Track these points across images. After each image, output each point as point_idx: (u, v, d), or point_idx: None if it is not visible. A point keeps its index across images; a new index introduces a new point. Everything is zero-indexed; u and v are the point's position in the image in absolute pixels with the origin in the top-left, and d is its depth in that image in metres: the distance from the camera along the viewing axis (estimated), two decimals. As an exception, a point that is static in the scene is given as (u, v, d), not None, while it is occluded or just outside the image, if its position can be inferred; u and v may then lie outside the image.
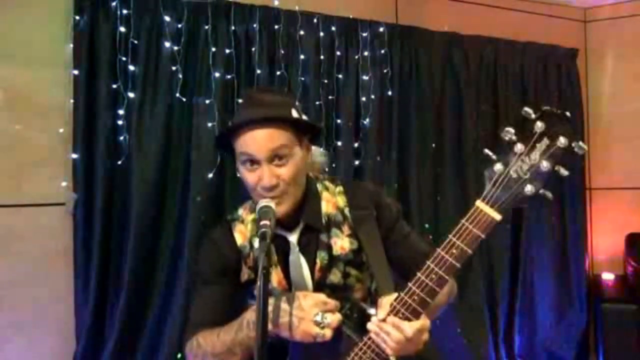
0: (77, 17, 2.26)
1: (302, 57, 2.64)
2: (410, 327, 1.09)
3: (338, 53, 2.75)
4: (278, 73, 2.59)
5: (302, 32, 2.65)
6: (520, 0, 3.39)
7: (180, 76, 2.40)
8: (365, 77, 2.80)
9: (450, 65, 3.09)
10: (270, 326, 1.14)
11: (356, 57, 2.79)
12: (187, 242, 2.37)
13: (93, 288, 2.27)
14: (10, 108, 2.23)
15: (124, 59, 2.31)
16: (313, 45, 2.67)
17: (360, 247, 1.32)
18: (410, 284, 1.11)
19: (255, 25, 2.54)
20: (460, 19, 3.16)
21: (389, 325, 1.10)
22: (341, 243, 1.31)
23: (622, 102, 3.49)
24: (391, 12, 3.03)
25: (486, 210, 1.05)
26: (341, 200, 1.36)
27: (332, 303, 1.19)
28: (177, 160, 2.43)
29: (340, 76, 2.76)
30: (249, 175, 1.24)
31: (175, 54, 2.39)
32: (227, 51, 2.48)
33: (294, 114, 1.28)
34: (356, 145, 2.80)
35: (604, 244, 3.54)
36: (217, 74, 2.45)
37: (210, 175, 2.43)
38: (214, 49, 2.45)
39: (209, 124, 2.42)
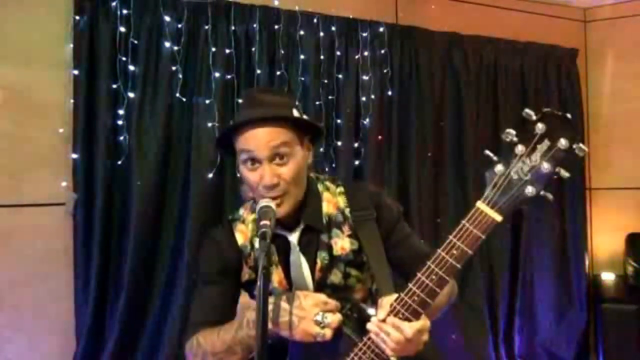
0: (77, 17, 2.27)
1: (302, 57, 2.64)
2: (410, 328, 1.09)
3: (338, 53, 2.75)
4: (278, 73, 2.59)
5: (302, 32, 2.65)
6: (520, 0, 3.39)
7: (180, 76, 2.40)
8: (365, 77, 2.80)
9: (450, 65, 3.09)
10: (270, 325, 1.14)
11: (356, 57, 2.80)
12: (187, 242, 2.38)
13: (93, 288, 2.27)
14: (10, 108, 2.23)
15: (124, 59, 2.32)
16: (313, 45, 2.67)
17: (360, 247, 1.32)
18: (410, 285, 1.11)
19: (255, 25, 2.54)
20: (460, 19, 3.16)
21: (389, 325, 1.10)
22: (342, 243, 1.32)
23: (622, 102, 3.49)
24: (391, 12, 3.03)
25: (487, 211, 1.05)
26: (342, 201, 1.36)
27: (333, 303, 1.19)
28: (177, 160, 2.43)
29: (340, 76, 2.76)
30: (249, 175, 1.24)
31: (175, 54, 2.39)
32: (227, 51, 2.48)
33: (295, 113, 1.28)
34: (356, 145, 2.80)
35: (604, 244, 3.54)
36: (217, 74, 2.45)
37: (210, 175, 2.43)
38: (214, 49, 2.45)
39: (209, 124, 2.42)
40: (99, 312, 2.30)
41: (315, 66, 2.67)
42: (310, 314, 1.16)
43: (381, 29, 2.86)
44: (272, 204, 1.19)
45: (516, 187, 1.03)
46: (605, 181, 3.53)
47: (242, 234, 1.37)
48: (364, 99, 2.80)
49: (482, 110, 3.16)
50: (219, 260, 1.36)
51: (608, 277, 3.39)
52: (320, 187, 1.37)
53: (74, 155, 2.27)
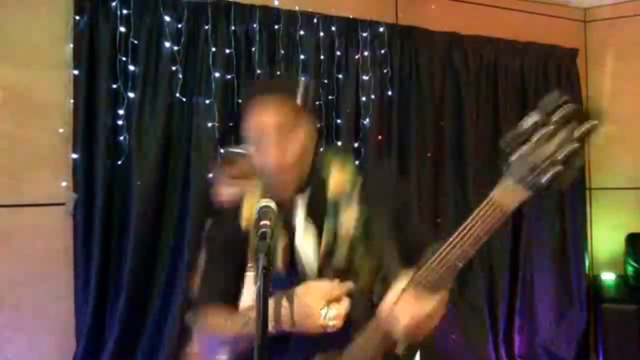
0: (77, 17, 2.27)
1: (302, 57, 2.64)
2: (420, 311, 1.08)
3: (338, 53, 2.75)
4: (278, 73, 2.59)
5: (302, 32, 2.65)
6: (520, 0, 3.39)
7: (180, 76, 2.40)
8: (365, 77, 2.80)
9: (450, 65, 3.09)
10: (274, 326, 1.15)
11: (356, 57, 2.80)
12: (187, 242, 2.37)
13: (93, 288, 2.27)
14: (10, 108, 2.23)
15: (124, 59, 2.32)
16: (313, 45, 2.68)
17: (367, 227, 1.32)
18: (422, 267, 1.09)
19: (255, 25, 2.54)
20: (460, 19, 3.16)
21: (398, 308, 1.10)
22: (348, 223, 1.31)
23: (622, 102, 3.49)
24: (391, 12, 3.03)
25: (508, 191, 1.01)
26: (349, 179, 1.36)
27: (338, 290, 1.18)
28: (177, 160, 2.43)
29: (340, 76, 2.76)
30: (256, 155, 1.25)
31: (175, 54, 2.39)
32: (227, 51, 2.48)
33: (299, 95, 1.29)
34: (356, 145, 2.80)
35: (604, 244, 3.54)
36: (217, 74, 2.45)
37: (210, 175, 2.43)
38: (214, 49, 2.45)
39: (209, 124, 2.42)
40: (99, 312, 2.30)
41: (315, 66, 2.67)
42: (316, 310, 1.16)
43: (381, 29, 2.86)
44: (273, 204, 1.19)
45: (539, 169, 1.00)
46: (605, 181, 3.53)
47: (246, 218, 1.37)
48: (364, 99, 2.80)
49: (482, 110, 3.16)
50: (227, 238, 1.37)
51: (608, 277, 3.39)
52: (326, 165, 1.37)
53: (74, 155, 2.27)
